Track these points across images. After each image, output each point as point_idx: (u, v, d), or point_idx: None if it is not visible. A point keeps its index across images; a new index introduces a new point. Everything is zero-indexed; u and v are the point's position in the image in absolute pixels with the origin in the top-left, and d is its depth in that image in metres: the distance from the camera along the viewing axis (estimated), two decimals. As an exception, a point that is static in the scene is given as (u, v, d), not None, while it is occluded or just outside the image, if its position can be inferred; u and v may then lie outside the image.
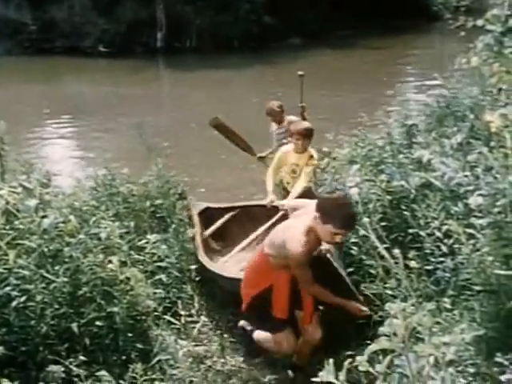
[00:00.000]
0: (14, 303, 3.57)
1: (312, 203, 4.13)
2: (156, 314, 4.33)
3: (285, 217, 4.97)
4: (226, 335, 5.04)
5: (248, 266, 4.52)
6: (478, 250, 3.11)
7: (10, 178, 4.81)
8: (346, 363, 2.03)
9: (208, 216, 6.45)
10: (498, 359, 2.43)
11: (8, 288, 3.61)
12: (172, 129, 12.41)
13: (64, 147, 13.02)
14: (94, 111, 15.64)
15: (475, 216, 3.13)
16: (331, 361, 1.99)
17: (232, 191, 8.83)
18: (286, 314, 4.30)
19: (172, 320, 4.61)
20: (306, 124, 6.49)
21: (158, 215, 6.03)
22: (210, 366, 4.58)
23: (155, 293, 4.36)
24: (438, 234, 3.96)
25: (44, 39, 23.83)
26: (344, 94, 15.11)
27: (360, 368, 1.97)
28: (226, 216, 6.54)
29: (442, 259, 3.87)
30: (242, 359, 4.77)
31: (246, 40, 22.64)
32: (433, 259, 3.93)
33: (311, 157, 6.27)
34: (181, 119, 13.87)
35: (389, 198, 4.76)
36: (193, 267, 5.54)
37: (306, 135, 6.24)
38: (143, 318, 4.11)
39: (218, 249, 6.24)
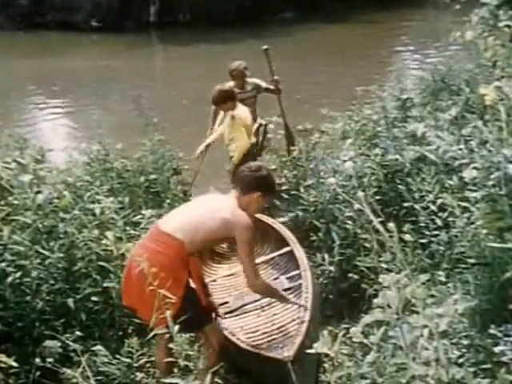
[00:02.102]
0: (9, 279, 3.58)
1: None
2: (151, 288, 4.33)
3: None
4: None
5: (156, 270, 3.28)
6: (472, 223, 3.12)
7: (3, 153, 4.79)
8: (341, 335, 2.05)
9: None
10: (491, 331, 2.45)
11: (3, 264, 3.61)
12: (164, 104, 12.35)
13: (57, 122, 12.95)
14: (87, 86, 15.55)
15: (470, 189, 3.14)
16: (326, 332, 2.01)
17: (218, 167, 8.79)
18: (208, 301, 3.90)
19: (168, 294, 4.62)
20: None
21: (152, 190, 6.02)
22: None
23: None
24: (432, 207, 3.98)
25: (35, 13, 23.56)
26: (338, 69, 15.03)
27: (354, 339, 1.99)
28: None
29: (436, 232, 3.90)
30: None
31: (240, 14, 22.44)
32: (427, 232, 3.96)
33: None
34: (173, 94, 13.80)
35: (383, 171, 4.78)
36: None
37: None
38: (139, 292, 4.12)
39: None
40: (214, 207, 3.84)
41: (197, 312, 3.65)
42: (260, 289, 3.93)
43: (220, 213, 3.75)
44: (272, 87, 7.20)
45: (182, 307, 3.47)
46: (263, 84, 7.19)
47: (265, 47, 7.11)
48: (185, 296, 3.61)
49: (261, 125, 7.05)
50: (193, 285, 3.77)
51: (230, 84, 7.06)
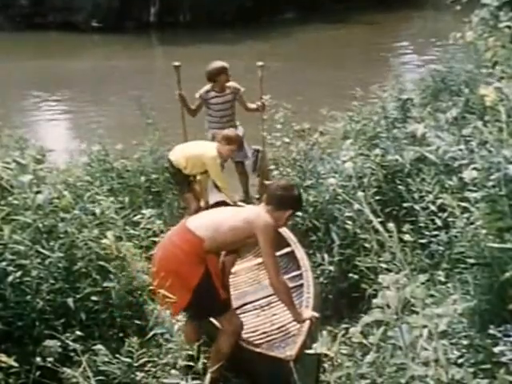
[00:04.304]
0: (9, 278, 3.57)
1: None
2: (151, 288, 4.34)
3: None
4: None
5: (170, 260, 3.96)
6: (472, 224, 3.12)
7: (3, 153, 4.79)
8: (340, 335, 2.05)
9: None
10: (491, 331, 2.45)
11: (4, 263, 3.61)
12: (164, 104, 12.33)
13: (57, 123, 12.94)
14: (87, 87, 15.54)
15: (469, 190, 3.14)
16: (325, 332, 2.01)
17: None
18: (227, 293, 4.15)
19: (167, 294, 4.62)
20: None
21: (152, 190, 6.02)
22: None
23: (150, 267, 4.37)
24: (432, 207, 3.99)
25: (35, 14, 23.53)
26: (338, 69, 15.03)
27: (354, 339, 1.99)
28: None
29: (436, 233, 3.90)
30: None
31: (240, 15, 22.44)
32: (427, 233, 3.96)
33: None
34: (173, 95, 13.78)
35: (383, 172, 4.78)
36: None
37: None
38: (139, 292, 4.13)
39: None
40: (239, 210, 4.22)
41: (214, 302, 3.94)
42: (281, 288, 3.99)
43: (244, 214, 4.04)
44: (255, 106, 6.87)
45: (195, 298, 3.86)
46: (242, 89, 6.83)
47: (260, 64, 6.83)
48: (199, 287, 3.88)
49: (256, 151, 6.90)
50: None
51: (208, 87, 6.75)
